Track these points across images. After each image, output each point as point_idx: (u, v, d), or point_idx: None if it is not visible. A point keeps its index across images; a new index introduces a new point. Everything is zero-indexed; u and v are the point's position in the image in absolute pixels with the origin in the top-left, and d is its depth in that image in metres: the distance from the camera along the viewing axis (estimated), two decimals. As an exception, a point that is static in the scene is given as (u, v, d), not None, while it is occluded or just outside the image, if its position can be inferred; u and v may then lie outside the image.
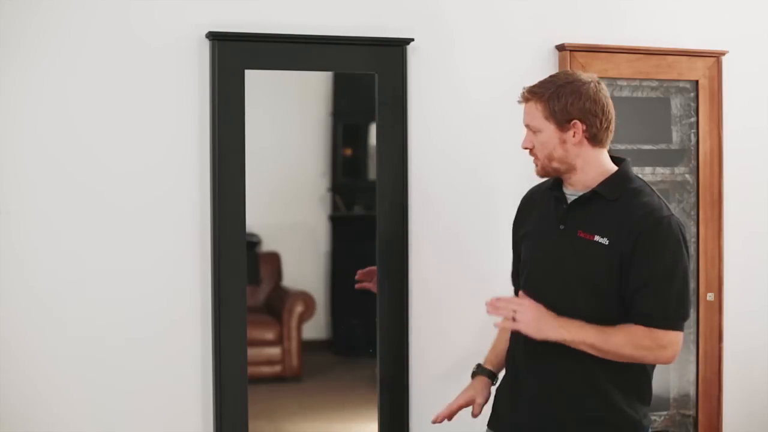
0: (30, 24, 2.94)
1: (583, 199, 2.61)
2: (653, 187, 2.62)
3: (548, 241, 2.64)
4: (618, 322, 2.54)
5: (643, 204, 2.55)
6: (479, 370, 2.82)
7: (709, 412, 3.59)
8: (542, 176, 2.65)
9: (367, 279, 3.29)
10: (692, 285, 3.61)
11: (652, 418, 3.61)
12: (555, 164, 2.60)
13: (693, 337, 3.61)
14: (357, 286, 3.29)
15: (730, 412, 3.66)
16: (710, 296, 3.58)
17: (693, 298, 3.60)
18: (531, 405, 2.63)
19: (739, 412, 3.68)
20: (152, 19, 3.05)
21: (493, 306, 2.56)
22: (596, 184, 2.60)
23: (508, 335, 2.79)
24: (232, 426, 3.09)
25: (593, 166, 2.62)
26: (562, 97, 2.58)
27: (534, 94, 2.60)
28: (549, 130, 2.58)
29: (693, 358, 3.61)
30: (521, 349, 2.67)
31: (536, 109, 2.59)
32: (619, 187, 2.60)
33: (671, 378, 3.67)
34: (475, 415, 2.78)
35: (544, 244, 2.65)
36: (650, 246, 2.51)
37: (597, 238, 2.55)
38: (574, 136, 2.59)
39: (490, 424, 2.75)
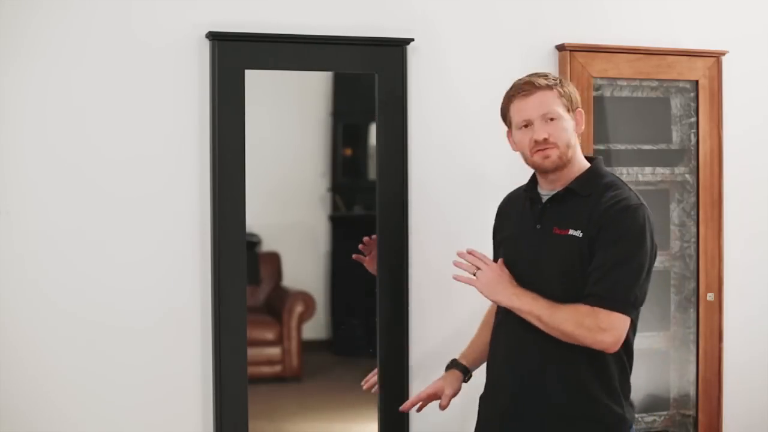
0: (29, 24, 2.94)
1: (557, 197, 2.64)
2: (626, 182, 2.66)
3: (526, 242, 2.66)
4: None
5: (613, 195, 2.59)
6: (452, 364, 2.87)
7: (709, 412, 3.59)
8: (556, 167, 2.63)
9: (367, 251, 3.27)
10: (692, 285, 3.62)
11: (652, 418, 3.61)
12: (570, 153, 2.64)
13: (693, 337, 3.61)
14: (354, 256, 3.27)
15: (730, 412, 3.66)
16: (710, 296, 3.58)
17: (693, 298, 3.61)
18: (513, 403, 2.64)
19: (739, 412, 3.68)
20: (152, 19, 3.05)
21: (461, 256, 2.60)
22: (570, 181, 2.64)
23: (487, 333, 2.82)
24: (232, 426, 3.09)
25: (578, 159, 2.67)
26: (568, 86, 2.67)
27: (549, 82, 2.64)
28: (567, 117, 2.63)
29: (693, 358, 3.61)
30: (503, 346, 2.68)
31: (554, 96, 2.62)
32: (591, 182, 2.63)
33: (671, 378, 3.67)
34: (443, 407, 2.82)
35: (523, 246, 2.68)
36: (613, 231, 2.54)
37: (571, 231, 2.59)
38: (578, 124, 2.67)
39: None
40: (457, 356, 2.89)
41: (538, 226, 2.65)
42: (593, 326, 2.49)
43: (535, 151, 2.62)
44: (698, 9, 3.64)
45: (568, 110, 2.64)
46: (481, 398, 2.78)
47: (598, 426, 2.60)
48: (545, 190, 2.69)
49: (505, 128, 2.74)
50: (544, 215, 2.65)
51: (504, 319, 2.69)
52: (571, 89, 2.67)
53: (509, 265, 2.69)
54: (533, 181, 2.74)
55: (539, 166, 2.64)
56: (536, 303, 2.55)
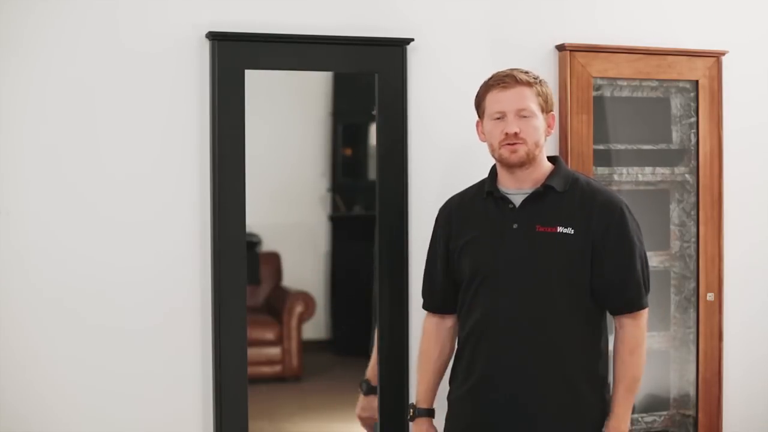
0: (27, 23, 2.94)
1: (535, 195, 2.67)
2: (622, 181, 2.79)
3: (504, 243, 2.67)
4: (589, 309, 2.64)
5: (600, 192, 2.69)
6: (417, 413, 2.85)
7: (709, 412, 3.59)
8: (522, 163, 2.67)
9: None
10: (692, 285, 3.62)
11: (652, 418, 3.61)
12: (537, 152, 2.68)
13: (693, 337, 3.61)
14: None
15: (730, 412, 3.66)
16: (710, 296, 3.58)
17: (693, 298, 3.61)
18: (507, 403, 2.65)
19: (739, 412, 3.68)
20: (152, 19, 3.05)
21: None
22: (545, 179, 2.69)
23: (433, 368, 2.84)
24: (232, 426, 3.09)
25: (543, 159, 2.73)
26: (546, 87, 2.70)
27: (529, 79, 2.67)
28: (540, 117, 2.67)
29: (693, 358, 3.61)
30: (488, 355, 2.68)
31: (532, 94, 2.67)
32: (566, 179, 2.70)
33: (671, 378, 3.67)
34: None
35: (500, 247, 2.68)
36: (620, 235, 2.64)
37: (560, 229, 2.63)
38: (549, 127, 2.72)
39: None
40: (414, 400, 2.89)
41: (515, 226, 2.66)
42: (641, 334, 2.68)
43: (504, 144, 2.64)
44: (698, 9, 3.64)
45: (543, 110, 2.68)
46: (457, 400, 2.78)
47: (585, 423, 2.63)
48: (512, 189, 2.71)
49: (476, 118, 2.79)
50: (520, 214, 2.66)
51: (485, 331, 2.68)
52: (549, 91, 2.72)
53: (482, 268, 2.70)
54: (493, 181, 2.74)
55: (506, 160, 2.67)
56: (627, 403, 2.66)
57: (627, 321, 2.66)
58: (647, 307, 2.70)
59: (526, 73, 2.69)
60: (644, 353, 2.68)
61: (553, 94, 2.76)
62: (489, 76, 2.76)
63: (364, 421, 3.25)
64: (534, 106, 2.65)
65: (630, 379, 2.64)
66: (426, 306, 2.90)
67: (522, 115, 2.64)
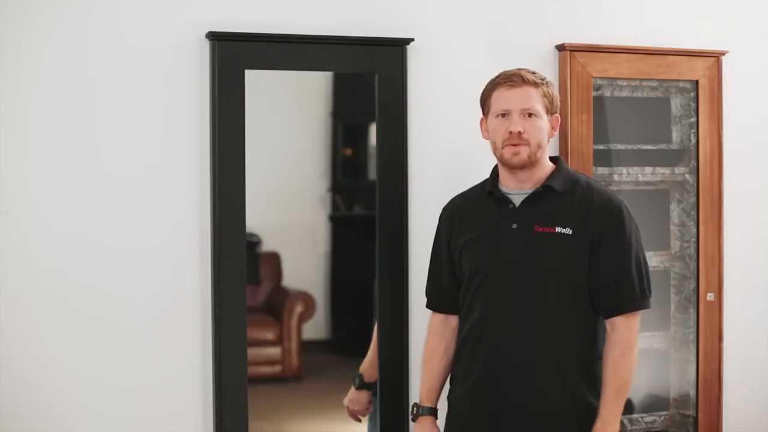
0: (28, 23, 2.94)
1: (534, 195, 2.67)
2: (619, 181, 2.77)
3: (503, 243, 2.67)
4: (587, 310, 2.64)
5: (599, 192, 2.69)
6: (420, 411, 2.83)
7: (709, 412, 3.59)
8: (524, 165, 2.68)
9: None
10: (692, 285, 3.62)
11: (652, 418, 3.61)
12: (539, 154, 2.68)
13: (693, 337, 3.61)
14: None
15: (730, 412, 3.66)
16: (710, 296, 3.58)
17: (693, 298, 3.61)
18: (503, 403, 2.65)
19: (739, 412, 3.68)
20: (152, 19, 3.05)
21: None
22: (545, 179, 2.69)
23: (437, 367, 2.82)
24: (232, 426, 3.09)
25: (545, 160, 2.72)
26: (552, 89, 2.71)
27: (536, 79, 2.68)
28: (545, 118, 2.67)
29: (693, 358, 3.61)
30: (486, 357, 2.68)
31: (538, 94, 2.67)
32: (566, 179, 2.70)
33: (671, 378, 3.67)
34: None
35: (499, 246, 2.68)
36: (616, 235, 2.63)
37: (558, 229, 2.63)
38: (553, 128, 2.71)
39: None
40: (417, 400, 2.86)
41: (515, 226, 2.66)
42: (633, 338, 2.64)
43: (507, 144, 2.64)
44: (698, 9, 3.64)
45: (548, 111, 2.69)
46: (457, 399, 2.78)
47: (582, 423, 2.64)
48: (513, 189, 2.71)
49: (481, 116, 2.79)
50: (520, 214, 2.67)
51: (484, 331, 2.69)
52: (555, 93, 2.72)
53: (482, 268, 2.70)
54: (494, 181, 2.75)
55: (507, 161, 2.68)
56: (617, 405, 2.62)
57: (619, 323, 2.63)
58: (641, 310, 2.67)
59: (534, 73, 2.69)
60: (635, 357, 2.64)
61: (558, 97, 2.76)
62: (495, 74, 2.76)
63: (352, 413, 3.27)
64: (539, 106, 2.65)
65: (620, 382, 2.61)
66: (430, 305, 2.90)
67: (527, 114, 2.64)
